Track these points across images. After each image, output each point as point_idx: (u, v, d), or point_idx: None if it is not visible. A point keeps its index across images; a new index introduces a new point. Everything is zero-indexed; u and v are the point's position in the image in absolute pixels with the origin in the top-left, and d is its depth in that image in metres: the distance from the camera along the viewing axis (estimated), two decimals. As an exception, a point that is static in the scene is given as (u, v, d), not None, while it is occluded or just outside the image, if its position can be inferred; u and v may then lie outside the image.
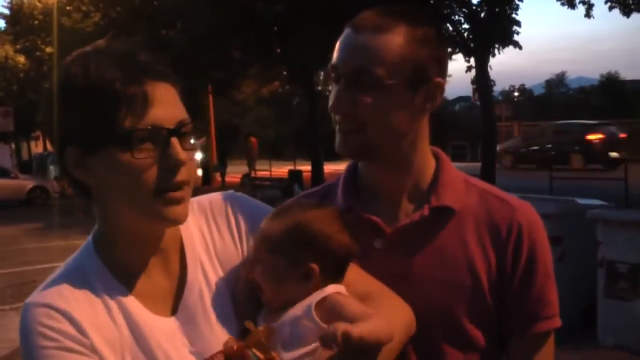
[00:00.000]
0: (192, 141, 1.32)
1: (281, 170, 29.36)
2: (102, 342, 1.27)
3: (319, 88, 33.77)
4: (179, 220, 1.31)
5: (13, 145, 45.70)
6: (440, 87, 1.55)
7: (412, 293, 1.51)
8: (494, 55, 19.99)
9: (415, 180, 1.60)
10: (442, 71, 1.56)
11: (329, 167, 25.00)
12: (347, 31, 1.53)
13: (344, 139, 1.54)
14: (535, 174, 15.18)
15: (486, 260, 1.54)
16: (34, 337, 1.24)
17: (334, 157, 33.19)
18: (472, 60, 19.61)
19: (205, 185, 27.33)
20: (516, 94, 72.49)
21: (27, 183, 27.75)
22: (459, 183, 1.61)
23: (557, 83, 74.83)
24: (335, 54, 1.53)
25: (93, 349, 1.26)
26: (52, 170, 33.19)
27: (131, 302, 1.33)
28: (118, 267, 1.35)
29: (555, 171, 15.98)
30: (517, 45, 20.53)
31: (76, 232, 15.67)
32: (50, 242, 15.53)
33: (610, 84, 59.93)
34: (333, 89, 1.54)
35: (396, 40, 1.48)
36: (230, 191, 1.57)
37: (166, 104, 1.26)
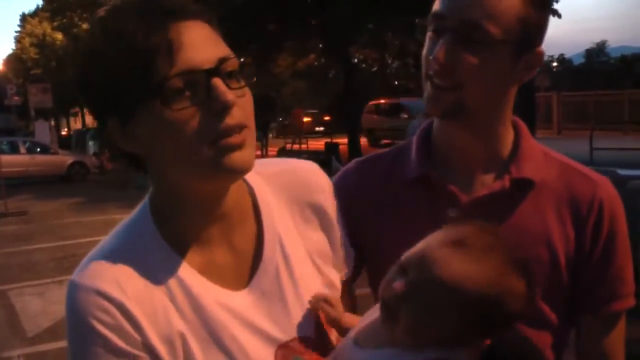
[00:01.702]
0: (240, 79, 1.16)
1: (318, 143, 29.32)
2: (157, 337, 1.15)
3: (355, 61, 33.55)
4: (240, 168, 1.14)
5: (52, 122, 46.36)
6: (541, 58, 1.48)
7: None
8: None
9: (495, 149, 1.53)
10: (543, 40, 1.48)
11: (365, 140, 24.91)
12: None
13: (437, 95, 1.44)
14: (576, 143, 14.93)
15: (565, 236, 1.48)
16: (84, 330, 1.13)
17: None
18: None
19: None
20: (555, 64, 71.24)
21: (66, 159, 28.14)
22: (539, 155, 1.54)
23: (597, 52, 73.39)
24: (440, 2, 1.42)
25: (145, 346, 1.14)
26: (91, 145, 33.70)
27: (194, 278, 1.20)
28: (177, 239, 1.22)
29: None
30: (555, 13, 20.11)
31: (115, 207, 15.91)
32: (90, 217, 15.74)
33: (653, 52, 58.51)
34: (432, 39, 1.44)
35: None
36: (315, 166, 1.45)
37: (200, 44, 1.11)
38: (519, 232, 1.46)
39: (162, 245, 1.21)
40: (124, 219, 1.30)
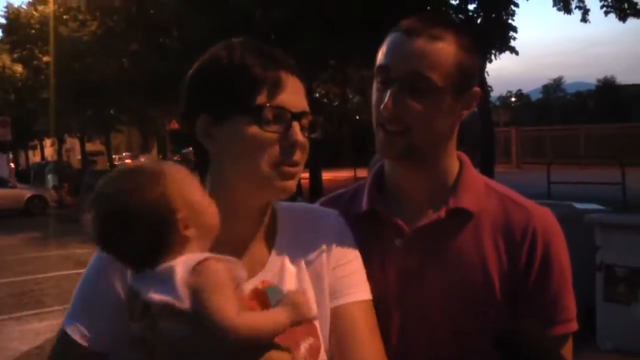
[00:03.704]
0: (308, 132, 1.46)
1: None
2: None
3: (316, 95, 33.80)
4: (289, 192, 1.44)
5: (11, 155, 45.71)
6: (477, 96, 1.63)
7: (424, 292, 1.57)
8: (490, 61, 20.08)
9: (440, 182, 1.65)
10: (477, 80, 1.64)
11: (327, 175, 25.01)
12: (397, 35, 1.58)
13: (389, 140, 1.58)
14: (534, 177, 15.20)
15: (499, 263, 1.56)
16: None
17: (332, 165, 33.30)
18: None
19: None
20: (513, 99, 72.51)
21: (25, 192, 27.73)
22: (479, 186, 1.65)
23: (554, 88, 74.88)
24: (383, 57, 1.58)
25: None
26: (50, 179, 33.28)
27: None
28: (221, 237, 1.38)
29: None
30: (513, 50, 20.57)
31: (75, 241, 15.68)
32: (49, 252, 15.52)
33: (607, 88, 60.01)
34: (379, 90, 1.59)
35: (449, 48, 1.54)
36: (340, 218, 1.61)
37: (294, 93, 1.42)
38: (456, 259, 1.57)
39: None
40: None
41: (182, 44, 23.25)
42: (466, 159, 1.71)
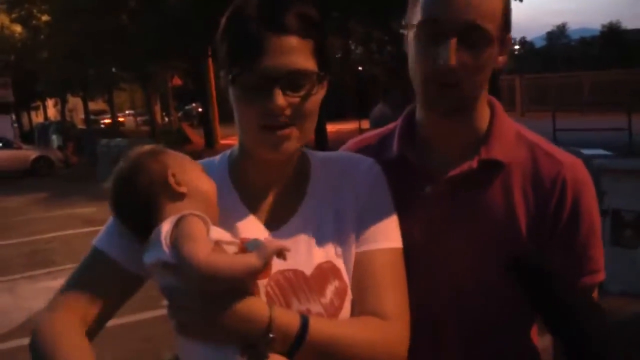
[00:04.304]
0: (301, 88, 1.42)
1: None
2: None
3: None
4: (282, 152, 1.44)
5: (14, 116, 45.66)
6: (510, 42, 1.60)
7: (451, 241, 1.57)
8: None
9: (473, 131, 1.62)
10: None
11: (331, 127, 24.94)
12: None
13: (443, 95, 1.52)
14: (539, 125, 15.14)
15: (528, 214, 1.55)
16: None
17: (336, 117, 33.20)
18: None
19: (208, 148, 27.35)
20: (517, 46, 71.91)
21: (30, 153, 27.78)
22: (511, 135, 1.62)
23: (558, 35, 74.17)
24: (431, 8, 1.49)
25: None
26: (55, 139, 33.29)
27: (246, 219, 1.51)
28: (244, 186, 1.54)
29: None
30: (517, -3, 20.29)
31: (82, 200, 15.80)
32: (56, 212, 15.61)
33: (612, 34, 59.38)
34: (427, 44, 1.50)
35: None
36: (375, 166, 1.61)
37: (280, 54, 1.38)
38: (486, 209, 1.56)
39: (227, 182, 1.55)
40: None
41: (182, -1, 23.01)
42: (497, 103, 1.67)
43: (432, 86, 1.52)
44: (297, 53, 1.40)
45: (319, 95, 1.46)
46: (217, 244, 1.31)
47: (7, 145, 27.62)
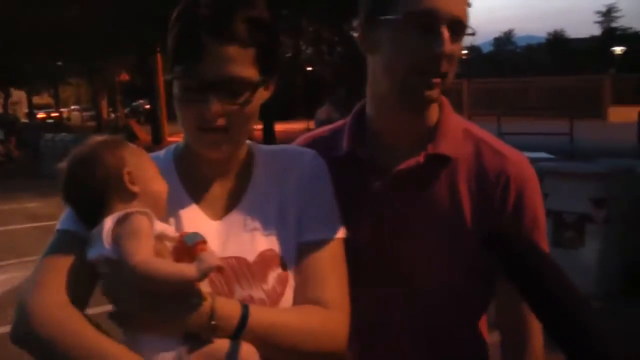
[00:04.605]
0: (237, 96, 1.43)
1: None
2: None
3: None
4: (214, 152, 1.48)
5: (-45, 108, 44.35)
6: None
7: (401, 235, 1.59)
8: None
9: (422, 127, 1.64)
10: None
11: (280, 127, 24.95)
12: None
13: (432, 88, 1.53)
14: (485, 128, 15.39)
15: (473, 208, 1.58)
16: None
17: (285, 117, 33.23)
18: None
19: (155, 145, 27.04)
20: (465, 51, 72.86)
21: (-29, 146, 27.04)
22: (458, 131, 1.64)
23: (505, 41, 75.49)
24: (431, 1, 1.50)
25: None
26: (-3, 133, 32.45)
27: (190, 209, 1.53)
28: (189, 178, 1.56)
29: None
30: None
31: (27, 195, 15.43)
32: (1, 206, 15.25)
33: (557, 42, 60.72)
34: (416, 35, 1.50)
35: None
36: (317, 158, 1.62)
37: (215, 61, 1.39)
38: (433, 203, 1.59)
39: (172, 174, 1.55)
40: None
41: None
42: (446, 101, 1.69)
43: (416, 79, 1.52)
44: (236, 61, 1.41)
45: (258, 100, 1.47)
46: (160, 238, 1.33)
47: (-53, 138, 26.83)
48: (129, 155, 1.44)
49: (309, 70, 41.28)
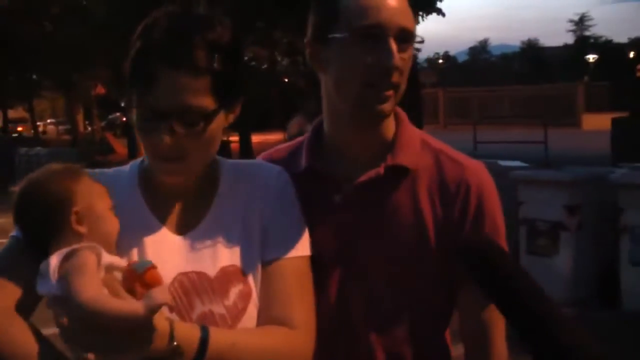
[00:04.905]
0: (194, 124, 1.39)
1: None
2: None
3: (245, 58, 33.51)
4: (172, 178, 1.48)
5: None
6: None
7: (362, 247, 1.60)
8: (417, 22, 20.24)
9: (380, 139, 1.65)
10: None
11: (257, 138, 24.91)
12: None
13: (385, 99, 1.55)
14: (461, 137, 15.49)
15: (434, 217, 1.60)
16: None
17: (261, 128, 33.20)
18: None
19: (132, 159, 26.86)
20: (440, 61, 73.35)
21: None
22: (416, 143, 1.66)
23: (480, 50, 76.06)
24: (373, 14, 1.52)
25: None
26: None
27: (153, 224, 1.50)
28: (154, 194, 1.53)
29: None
30: (440, 12, 20.83)
31: None
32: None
33: (531, 50, 61.31)
34: (366, 48, 1.52)
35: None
36: (283, 174, 1.61)
37: (170, 89, 1.35)
38: (394, 214, 1.60)
39: (135, 191, 1.53)
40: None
41: (107, 5, 22.64)
42: (402, 113, 1.71)
43: (368, 92, 1.54)
44: (189, 90, 1.36)
45: (218, 127, 1.44)
46: (109, 269, 1.31)
47: None
48: (82, 190, 1.40)
49: (285, 82, 41.33)
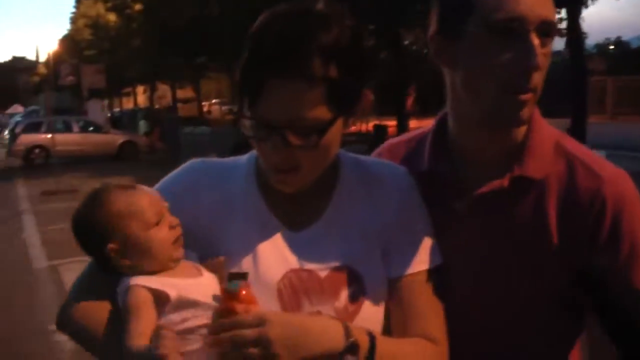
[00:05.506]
0: (311, 134, 1.30)
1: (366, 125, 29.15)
2: None
3: (406, 42, 33.29)
4: (286, 189, 1.41)
5: (106, 102, 47.11)
6: None
7: (481, 259, 1.48)
8: (587, 5, 19.21)
9: (510, 143, 1.50)
10: None
11: (414, 123, 24.72)
12: None
13: (524, 105, 1.39)
14: (630, 129, 14.58)
15: (562, 233, 1.43)
16: None
17: (420, 113, 32.91)
18: (563, 11, 18.78)
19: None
20: (611, 47, 69.67)
21: (118, 138, 28.56)
22: (548, 147, 1.49)
23: (656, 35, 71.55)
24: (511, 4, 1.34)
25: None
26: (142, 125, 34.22)
27: (270, 223, 1.46)
28: (270, 189, 1.45)
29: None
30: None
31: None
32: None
33: None
34: (499, 43, 1.36)
35: None
36: (408, 177, 1.53)
37: (278, 100, 1.26)
38: (518, 227, 1.46)
39: (253, 185, 1.48)
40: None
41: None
42: (536, 113, 1.52)
43: (506, 97, 1.38)
44: (302, 101, 1.25)
45: (335, 135, 1.34)
46: (178, 307, 1.29)
47: (97, 129, 28.50)
48: (115, 220, 1.34)
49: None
